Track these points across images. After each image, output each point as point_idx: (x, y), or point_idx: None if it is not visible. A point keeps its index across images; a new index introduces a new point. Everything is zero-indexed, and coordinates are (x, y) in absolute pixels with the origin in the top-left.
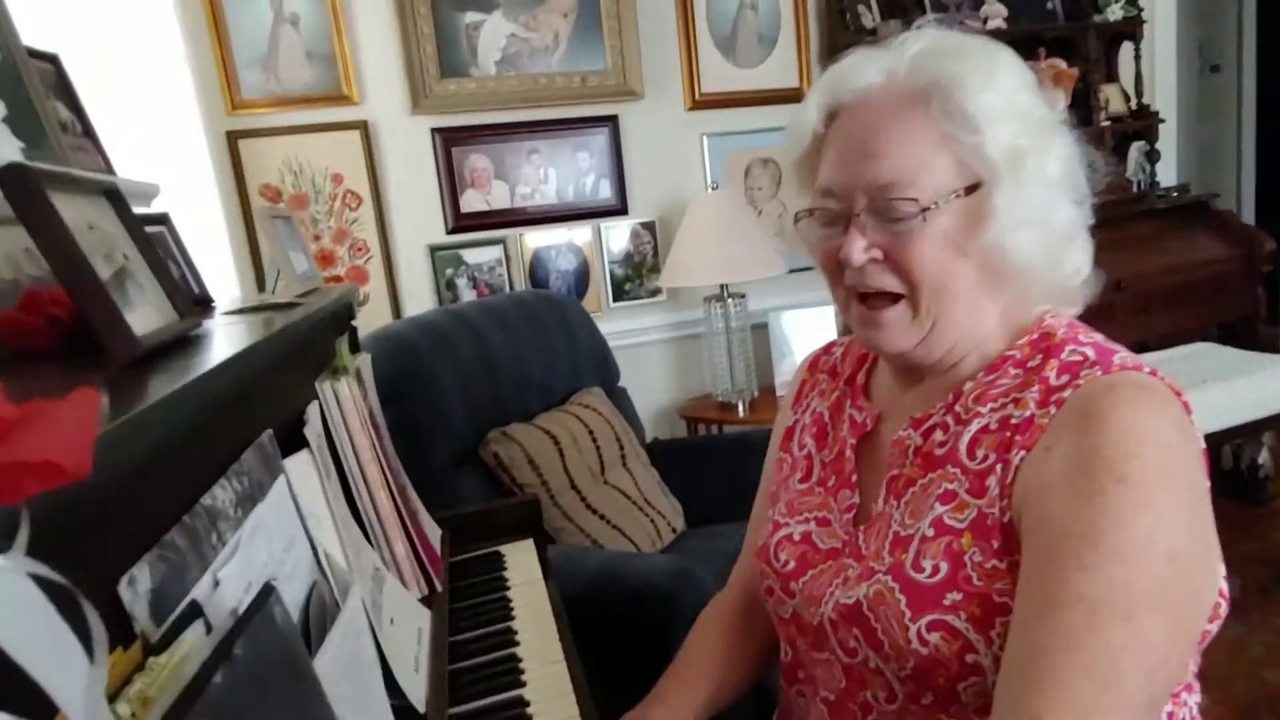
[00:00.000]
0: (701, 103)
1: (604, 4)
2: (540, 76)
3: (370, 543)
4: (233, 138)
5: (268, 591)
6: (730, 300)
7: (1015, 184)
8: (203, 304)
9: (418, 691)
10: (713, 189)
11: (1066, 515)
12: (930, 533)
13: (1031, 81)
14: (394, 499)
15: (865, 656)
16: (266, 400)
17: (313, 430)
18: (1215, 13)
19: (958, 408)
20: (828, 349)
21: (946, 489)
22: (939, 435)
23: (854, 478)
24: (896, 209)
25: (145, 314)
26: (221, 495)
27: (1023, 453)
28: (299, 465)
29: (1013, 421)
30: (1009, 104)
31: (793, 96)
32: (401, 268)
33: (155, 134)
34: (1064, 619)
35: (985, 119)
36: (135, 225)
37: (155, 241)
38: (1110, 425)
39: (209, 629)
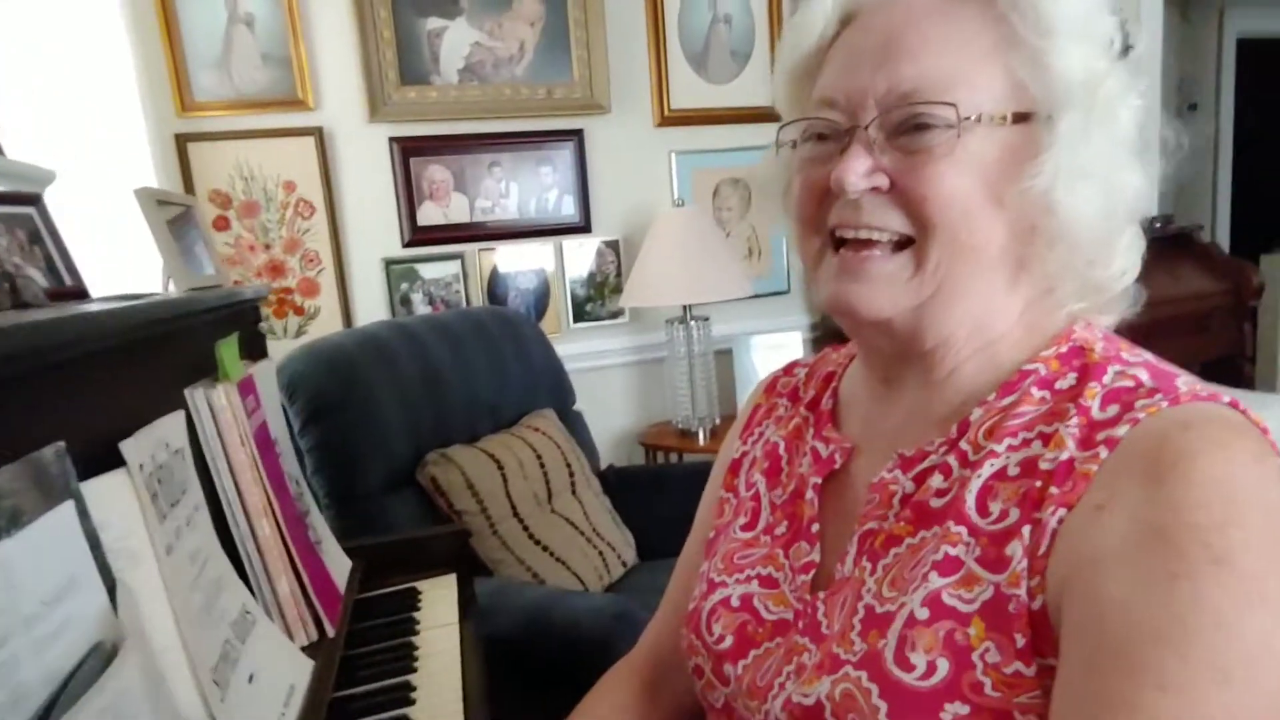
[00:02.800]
0: (671, 119)
1: (572, 15)
2: (504, 87)
3: (249, 580)
4: (182, 140)
5: None
6: (694, 323)
7: (1085, 118)
8: (76, 295)
9: None
10: (679, 205)
11: (1135, 607)
12: (923, 614)
13: (1110, 8)
14: (281, 529)
15: None
16: (65, 404)
17: (141, 446)
18: (1195, 52)
19: (964, 444)
20: (789, 369)
21: (947, 554)
22: (938, 481)
23: (814, 528)
24: (923, 115)
25: None
26: None
27: (1061, 511)
28: (111, 489)
29: (1043, 466)
30: (1089, 21)
31: (766, 115)
32: (355, 281)
33: (97, 132)
34: None
35: (1060, 24)
36: None
37: (19, 223)
38: (1194, 479)
39: None
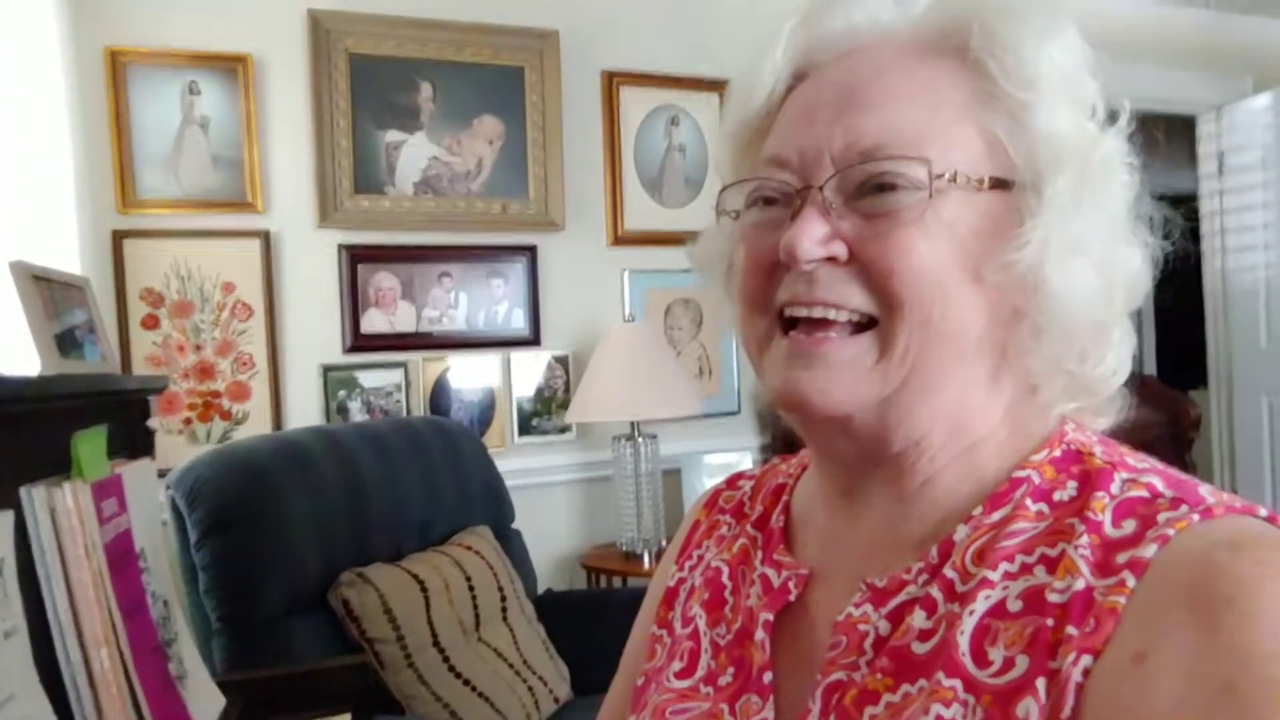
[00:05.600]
0: (625, 239)
1: (531, 136)
2: (459, 200)
3: None
4: (118, 237)
5: None
6: (642, 440)
7: (1075, 185)
8: None
9: None
10: (629, 321)
11: None
12: None
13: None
14: (125, 660)
15: None
16: None
17: None
18: None
19: (948, 571)
20: (732, 482)
21: (939, 717)
22: (920, 619)
23: (767, 677)
24: (889, 173)
25: None
26: None
27: (1085, 659)
28: None
29: (1051, 599)
30: (1077, 77)
31: None
32: (289, 386)
33: (29, 222)
34: None
35: (1045, 78)
36: None
37: None
38: (1259, 617)
39: None
